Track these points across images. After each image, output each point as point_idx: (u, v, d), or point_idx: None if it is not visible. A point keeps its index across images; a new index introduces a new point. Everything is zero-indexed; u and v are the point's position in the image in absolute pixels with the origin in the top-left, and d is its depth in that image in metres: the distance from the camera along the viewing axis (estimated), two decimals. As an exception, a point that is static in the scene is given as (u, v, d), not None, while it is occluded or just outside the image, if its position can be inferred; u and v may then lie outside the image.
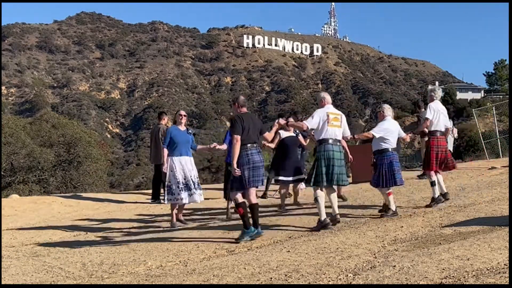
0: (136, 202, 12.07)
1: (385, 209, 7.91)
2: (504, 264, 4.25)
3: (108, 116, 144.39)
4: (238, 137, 6.77)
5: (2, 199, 13.15)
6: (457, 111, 77.01)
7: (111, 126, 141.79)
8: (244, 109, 7.12)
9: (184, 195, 8.28)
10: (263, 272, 4.93)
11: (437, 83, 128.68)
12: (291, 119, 8.59)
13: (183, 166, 8.39)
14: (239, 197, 6.81)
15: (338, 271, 4.64)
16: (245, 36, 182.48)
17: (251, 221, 6.80)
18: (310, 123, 7.19)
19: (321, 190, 7.20)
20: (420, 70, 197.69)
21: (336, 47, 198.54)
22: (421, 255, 4.77)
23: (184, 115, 8.83)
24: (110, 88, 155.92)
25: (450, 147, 15.13)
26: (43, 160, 22.88)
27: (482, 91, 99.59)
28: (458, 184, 10.73)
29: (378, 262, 4.82)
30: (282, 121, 7.94)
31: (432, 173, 8.22)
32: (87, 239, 7.94)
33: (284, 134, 9.07)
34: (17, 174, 22.56)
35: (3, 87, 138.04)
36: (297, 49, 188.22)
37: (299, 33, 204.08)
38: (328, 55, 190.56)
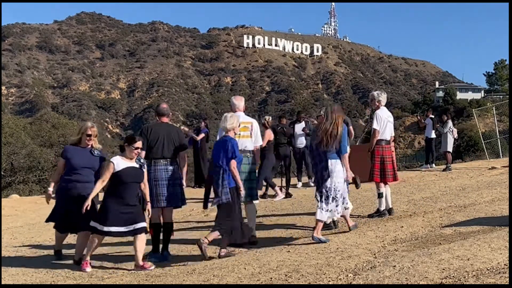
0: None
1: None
2: (504, 264, 4.25)
3: (108, 116, 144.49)
4: (141, 152, 6.01)
5: (2, 199, 13.17)
6: (457, 111, 77.03)
7: (111, 126, 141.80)
8: (164, 119, 6.42)
9: None
10: (263, 272, 4.92)
11: (437, 83, 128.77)
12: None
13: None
14: (156, 217, 6.25)
15: (338, 271, 4.64)
16: (245, 36, 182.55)
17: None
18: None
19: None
20: (420, 70, 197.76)
21: (336, 47, 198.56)
22: (421, 255, 4.77)
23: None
24: (110, 88, 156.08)
25: (450, 147, 15.12)
26: (43, 160, 22.93)
27: (482, 91, 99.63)
28: (458, 184, 10.74)
29: (378, 262, 4.82)
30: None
31: (381, 184, 7.68)
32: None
33: (120, 164, 5.79)
34: (17, 174, 22.58)
35: (3, 87, 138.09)
36: (297, 49, 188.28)
37: (299, 33, 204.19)
38: (328, 55, 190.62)
